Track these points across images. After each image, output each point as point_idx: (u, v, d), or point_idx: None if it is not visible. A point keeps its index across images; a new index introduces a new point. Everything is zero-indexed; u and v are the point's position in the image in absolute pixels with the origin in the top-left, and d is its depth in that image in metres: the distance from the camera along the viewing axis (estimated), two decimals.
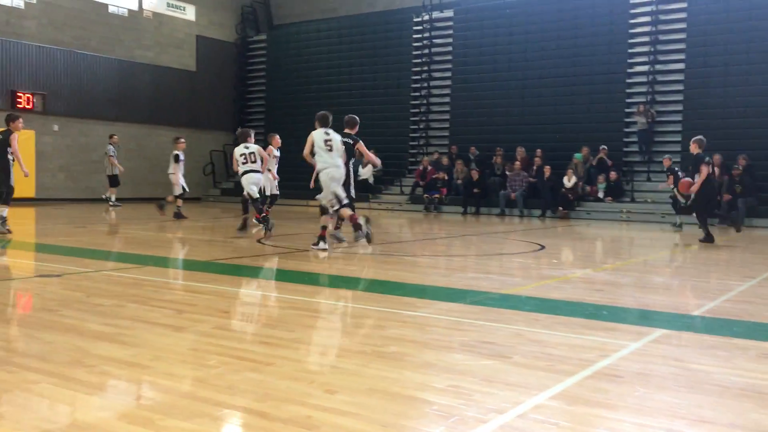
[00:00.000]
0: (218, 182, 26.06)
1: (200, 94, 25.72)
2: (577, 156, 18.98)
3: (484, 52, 22.06)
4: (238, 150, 11.06)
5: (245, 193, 11.07)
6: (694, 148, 11.25)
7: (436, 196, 20.28)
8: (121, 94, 23.09)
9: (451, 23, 23.02)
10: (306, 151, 9.31)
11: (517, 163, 19.39)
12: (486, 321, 4.71)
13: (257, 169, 11.00)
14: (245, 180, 11.00)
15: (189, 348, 3.86)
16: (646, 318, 5.17)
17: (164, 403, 2.90)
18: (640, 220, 17.34)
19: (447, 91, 22.95)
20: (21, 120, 11.13)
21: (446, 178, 20.46)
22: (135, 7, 23.59)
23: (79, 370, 3.35)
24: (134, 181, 22.50)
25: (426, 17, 23.37)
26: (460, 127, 22.36)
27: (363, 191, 22.02)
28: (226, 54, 26.90)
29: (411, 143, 23.54)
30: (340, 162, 9.27)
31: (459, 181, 20.12)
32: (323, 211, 9.30)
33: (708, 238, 11.19)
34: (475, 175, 19.71)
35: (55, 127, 21.47)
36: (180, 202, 14.60)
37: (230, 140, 26.73)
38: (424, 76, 23.23)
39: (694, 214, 11.69)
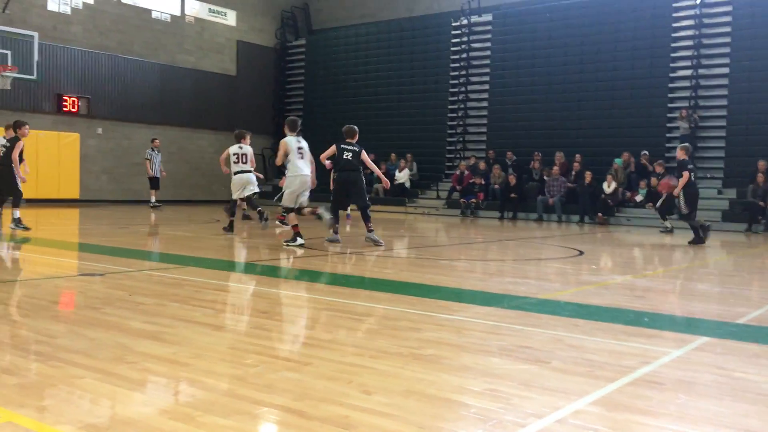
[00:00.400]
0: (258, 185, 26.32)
1: (240, 99, 26.06)
2: (618, 161, 18.72)
3: (523, 56, 21.91)
4: (232, 149, 11.45)
5: (234, 194, 11.61)
6: (680, 154, 12.01)
7: (473, 200, 20.19)
8: (163, 98, 23.52)
9: (489, 27, 22.92)
10: (279, 159, 9.96)
11: (556, 168, 19.20)
12: (524, 325, 4.67)
13: (248, 169, 11.39)
14: (235, 180, 11.43)
15: (228, 347, 3.90)
16: (688, 325, 5.07)
17: (204, 400, 2.93)
18: (682, 227, 16.99)
19: (485, 95, 22.85)
20: (27, 126, 11.51)
21: (483, 182, 20.37)
22: (177, 12, 24.02)
23: (122, 366, 3.41)
24: (174, 183, 22.89)
25: (464, 22, 23.31)
26: (498, 132, 22.24)
27: (399, 195, 22.07)
28: (266, 59, 27.20)
29: (448, 148, 23.50)
30: (308, 170, 9.94)
31: (496, 186, 20.01)
32: (289, 210, 9.86)
33: (697, 240, 11.96)
34: (512, 179, 19.58)
35: (99, 131, 21.96)
36: (245, 205, 15.03)
37: (269, 144, 27.03)
38: (461, 80, 23.17)
39: (683, 218, 12.55)
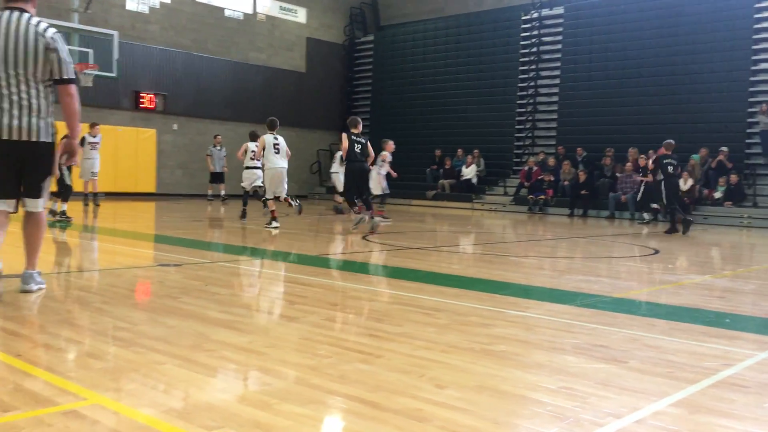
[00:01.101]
0: (324, 180, 26.63)
1: (308, 95, 26.39)
2: (695, 157, 18.09)
3: (595, 50, 21.42)
4: (250, 145, 13.23)
5: (243, 185, 13.40)
6: (661, 151, 13.39)
7: (542, 197, 19.87)
8: (235, 95, 24.04)
9: (561, 20, 22.51)
10: (258, 152, 11.56)
11: (629, 164, 18.69)
12: (598, 324, 4.57)
13: (258, 165, 12.80)
14: (246, 174, 13.22)
15: (301, 337, 3.96)
16: None
17: (279, 389, 2.99)
18: (762, 226, 16.31)
19: (555, 90, 22.45)
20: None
21: (552, 179, 20.02)
22: (250, 10, 24.48)
23: (200, 353, 3.51)
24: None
25: (535, 15, 22.95)
26: (568, 127, 21.82)
27: (466, 191, 21.93)
28: (335, 55, 27.46)
29: (516, 143, 23.20)
30: (285, 163, 11.53)
31: (566, 183, 19.64)
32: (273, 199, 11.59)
33: (672, 230, 13.16)
34: (582, 176, 19.17)
35: (175, 126, 22.64)
36: (340, 198, 16.30)
37: (336, 140, 27.23)
38: (531, 75, 22.83)
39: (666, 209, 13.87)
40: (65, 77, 4.78)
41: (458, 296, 5.63)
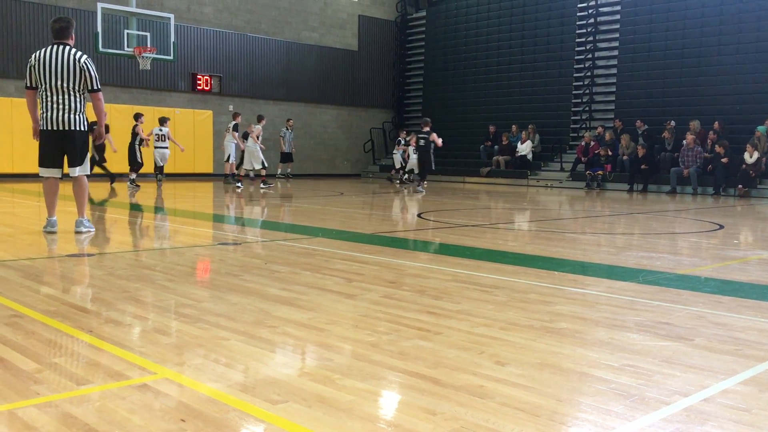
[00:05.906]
0: (377, 159, 26.67)
1: (361, 73, 26.37)
2: (761, 129, 17.41)
3: (656, 20, 20.73)
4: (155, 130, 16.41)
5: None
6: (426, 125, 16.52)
7: (599, 172, 19.46)
8: (289, 75, 24.21)
9: None
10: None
11: (690, 137, 18.12)
12: (662, 301, 4.47)
13: (165, 146, 16.38)
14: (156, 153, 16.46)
15: (360, 314, 4.00)
16: None
17: (341, 364, 3.02)
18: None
19: (613, 62, 21.87)
20: (143, 117, 16.08)
21: (610, 153, 19.58)
22: None
23: (263, 329, 3.58)
24: (300, 158, 23.61)
25: None
26: (627, 100, 21.25)
27: (521, 167, 21.64)
28: (387, 32, 27.33)
29: (573, 118, 22.74)
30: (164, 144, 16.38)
31: (625, 157, 19.17)
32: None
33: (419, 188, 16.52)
34: (641, 150, 18.68)
35: (230, 107, 22.96)
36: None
37: (389, 118, 27.22)
38: (588, 47, 22.27)
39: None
40: (95, 88, 7.12)
41: (516, 273, 5.59)
